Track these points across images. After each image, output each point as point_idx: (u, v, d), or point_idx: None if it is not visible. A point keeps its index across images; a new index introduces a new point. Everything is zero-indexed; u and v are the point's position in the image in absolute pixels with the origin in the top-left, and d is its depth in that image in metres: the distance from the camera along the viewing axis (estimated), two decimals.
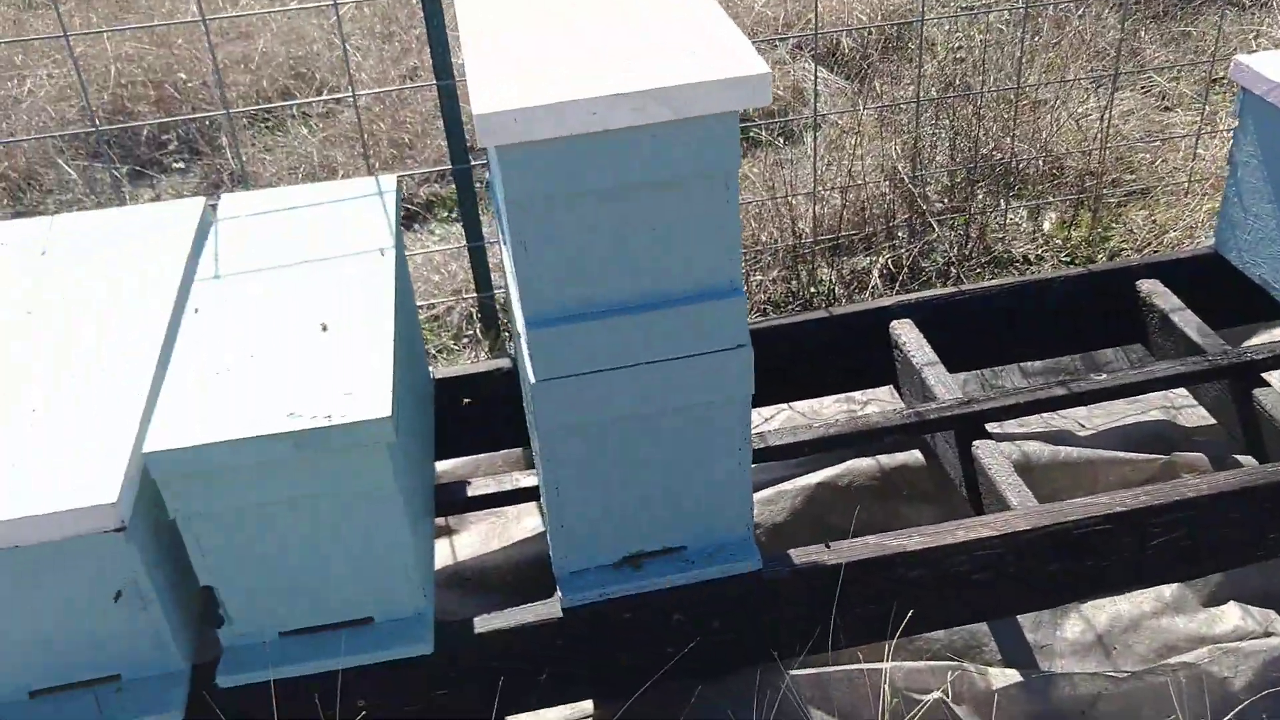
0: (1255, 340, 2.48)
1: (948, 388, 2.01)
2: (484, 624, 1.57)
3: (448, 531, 2.13)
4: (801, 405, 2.37)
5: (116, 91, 3.55)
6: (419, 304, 2.72)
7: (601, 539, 1.58)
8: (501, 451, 2.23)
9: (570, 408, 1.45)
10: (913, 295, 2.24)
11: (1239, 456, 2.16)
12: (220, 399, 1.39)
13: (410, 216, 3.22)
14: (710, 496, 1.58)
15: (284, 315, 1.55)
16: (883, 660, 1.72)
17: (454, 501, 1.86)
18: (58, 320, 1.57)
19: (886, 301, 2.22)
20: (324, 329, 1.51)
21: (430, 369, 2.06)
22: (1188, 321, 2.13)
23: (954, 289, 2.26)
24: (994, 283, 2.26)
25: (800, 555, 1.63)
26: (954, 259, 2.88)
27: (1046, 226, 3.08)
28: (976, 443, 1.90)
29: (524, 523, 2.12)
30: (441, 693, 1.58)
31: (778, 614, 1.65)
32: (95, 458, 1.33)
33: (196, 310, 1.57)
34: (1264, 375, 2.03)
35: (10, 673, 1.42)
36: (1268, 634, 1.91)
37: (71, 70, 3.60)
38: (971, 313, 2.23)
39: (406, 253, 2.95)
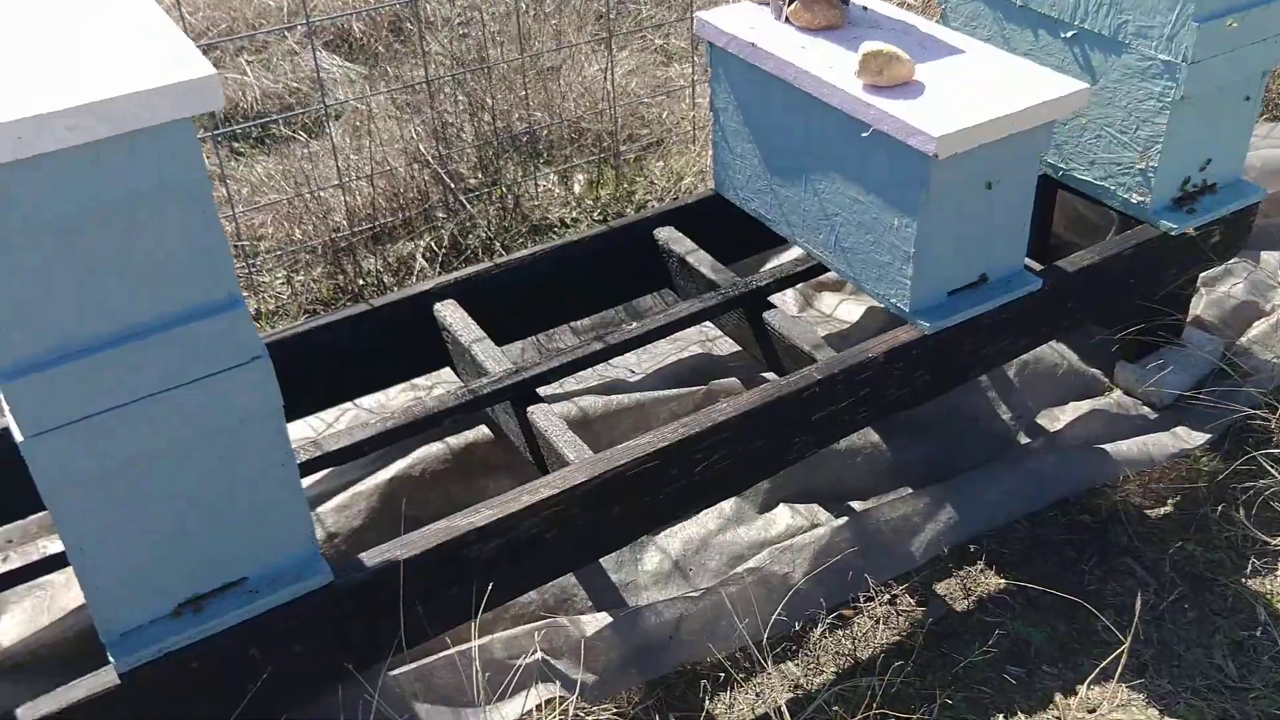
0: (767, 266, 2.74)
1: (497, 361, 2.04)
2: (29, 712, 1.40)
3: None
4: (367, 401, 2.32)
5: None
6: None
7: (149, 590, 1.46)
8: (34, 516, 1.99)
9: (73, 460, 1.32)
10: (452, 275, 2.25)
11: (765, 374, 2.38)
12: None
13: None
14: (262, 520, 1.50)
15: None
16: (479, 638, 1.74)
17: None
18: None
19: (426, 285, 2.21)
20: None
21: None
22: (701, 261, 2.31)
23: (491, 263, 2.29)
24: (527, 252, 2.32)
25: (371, 557, 1.60)
26: (494, 232, 2.93)
27: (577, 189, 3.22)
28: (531, 408, 1.95)
29: (75, 590, 1.91)
30: None
31: (361, 621, 1.60)
32: None
33: None
34: (769, 299, 2.24)
35: None
36: (814, 526, 2.14)
37: None
38: (511, 284, 2.28)
39: None
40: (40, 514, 2.00)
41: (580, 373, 2.26)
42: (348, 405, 2.30)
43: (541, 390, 2.03)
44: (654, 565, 2.04)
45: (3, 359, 1.25)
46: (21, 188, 1.17)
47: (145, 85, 1.17)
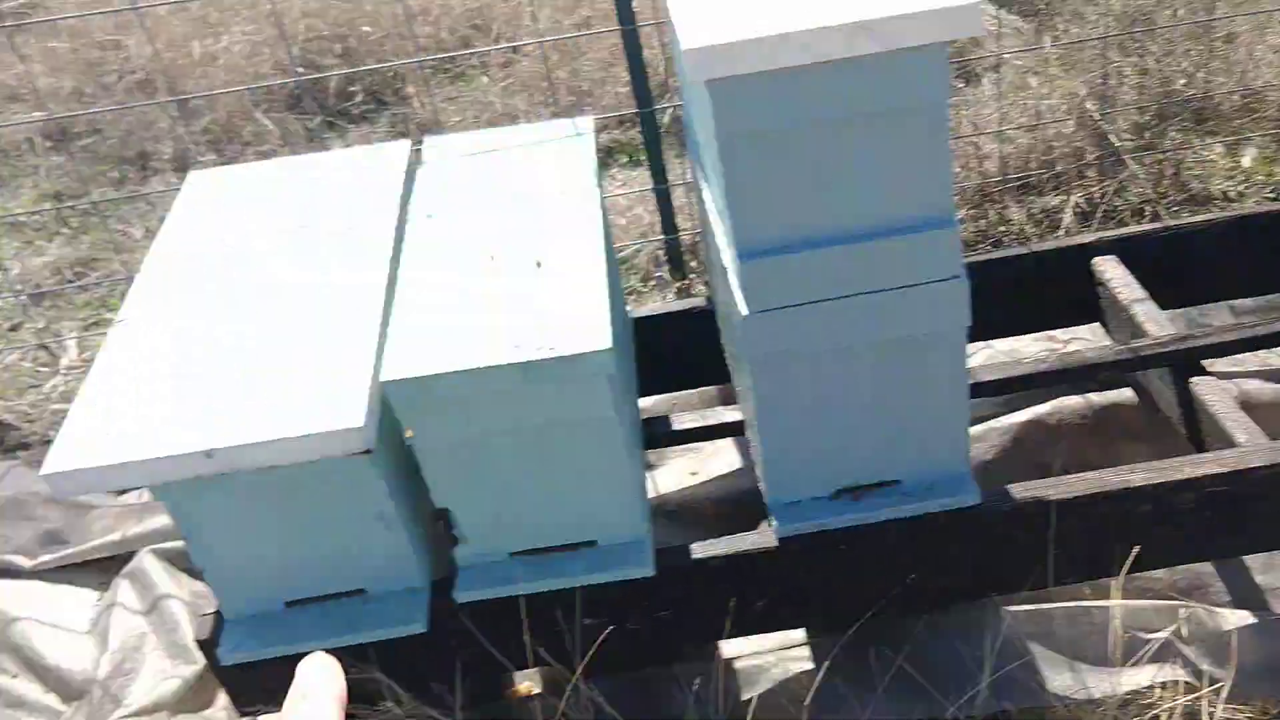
0: None
1: (1159, 324, 1.94)
2: (702, 550, 1.61)
3: (648, 467, 2.18)
4: (1002, 344, 2.32)
5: (305, 45, 3.68)
6: None
7: (815, 471, 1.59)
8: (696, 389, 2.26)
9: (783, 340, 1.46)
10: (1116, 231, 2.17)
11: None
12: (448, 332, 1.44)
13: None
14: (926, 431, 1.57)
15: (498, 253, 1.59)
16: (1104, 597, 1.69)
17: (658, 435, 1.90)
18: (287, 256, 1.65)
19: (1088, 237, 2.15)
20: (538, 266, 1.55)
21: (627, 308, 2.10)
22: None
23: (1159, 225, 2.17)
24: (1201, 219, 2.17)
25: (1021, 490, 1.61)
26: (1150, 196, 2.77)
27: (1247, 162, 2.93)
28: (1196, 379, 1.84)
29: (721, 458, 2.15)
30: (662, 614, 1.62)
31: (996, 549, 1.63)
32: (339, 385, 1.40)
33: (414, 247, 1.63)
34: None
35: (269, 585, 1.53)
36: None
37: (261, 27, 3.75)
38: (1178, 249, 2.15)
39: None
40: (703, 389, 2.27)
41: (1240, 354, 2.08)
42: (983, 344, 2.32)
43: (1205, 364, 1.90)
44: None
45: (744, 242, 1.42)
46: (791, 92, 1.29)
47: (916, 8, 1.25)
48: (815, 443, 1.57)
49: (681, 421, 1.91)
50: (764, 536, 1.62)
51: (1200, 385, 1.82)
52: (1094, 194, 2.76)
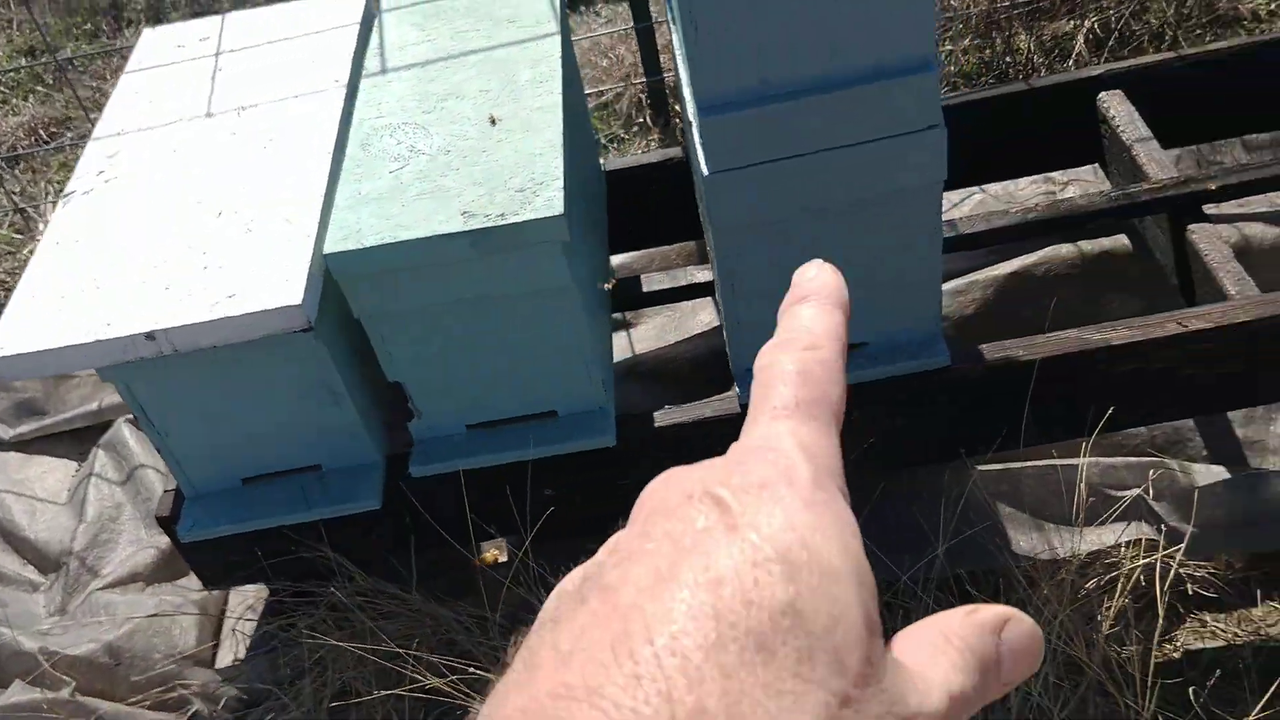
0: None
1: (1161, 166, 1.83)
2: (664, 418, 1.57)
3: (625, 325, 2.13)
4: (994, 188, 2.22)
5: None
6: (587, 91, 2.64)
7: None
8: (674, 245, 2.19)
9: (747, 200, 1.38)
10: (1124, 63, 2.02)
11: None
12: (396, 198, 1.38)
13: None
14: (896, 290, 1.50)
15: (453, 110, 1.51)
16: (1077, 456, 1.65)
17: (630, 297, 1.84)
18: (234, 121, 1.58)
19: (1095, 70, 2.01)
20: (493, 123, 1.47)
21: (600, 161, 2.01)
22: None
23: (1171, 54, 2.03)
24: (1221, 45, 2.02)
25: (992, 351, 1.55)
26: (1170, 19, 2.59)
27: None
28: (1192, 226, 1.74)
29: (700, 317, 2.10)
30: (624, 483, 1.60)
31: (967, 410, 1.58)
32: (280, 260, 1.35)
33: (365, 107, 1.55)
34: None
35: (225, 463, 1.51)
36: None
37: None
38: (1191, 80, 2.01)
39: (573, 38, 2.85)
40: (680, 244, 2.19)
41: (1247, 197, 1.97)
42: (975, 188, 2.21)
43: (1206, 209, 1.79)
44: None
45: (704, 94, 1.32)
46: None
47: None
48: (774, 306, 1.50)
49: (651, 283, 1.84)
50: (727, 403, 1.58)
51: (1195, 233, 1.72)
52: (1110, 18, 2.59)
